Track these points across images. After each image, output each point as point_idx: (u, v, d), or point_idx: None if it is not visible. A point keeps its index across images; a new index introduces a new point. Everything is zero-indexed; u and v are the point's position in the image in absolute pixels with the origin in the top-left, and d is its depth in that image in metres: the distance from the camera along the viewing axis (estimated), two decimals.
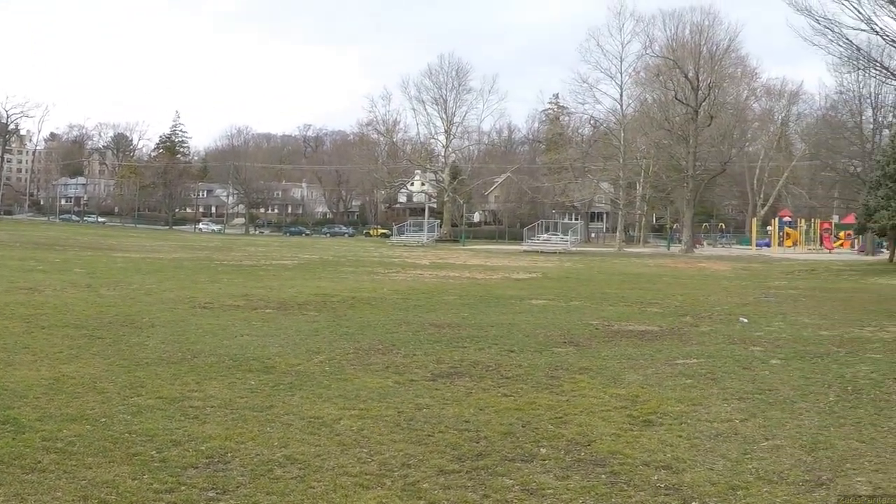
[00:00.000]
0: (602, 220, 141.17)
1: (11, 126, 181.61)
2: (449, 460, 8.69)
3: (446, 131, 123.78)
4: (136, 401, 11.09)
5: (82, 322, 19.03)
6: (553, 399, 11.73)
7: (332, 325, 19.31)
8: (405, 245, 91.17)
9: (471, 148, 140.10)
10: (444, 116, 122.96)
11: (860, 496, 8.10)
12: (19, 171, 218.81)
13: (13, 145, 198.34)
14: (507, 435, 9.72)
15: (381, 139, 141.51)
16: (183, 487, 7.76)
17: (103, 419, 10.09)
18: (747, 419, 10.80)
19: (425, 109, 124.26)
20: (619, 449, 9.21)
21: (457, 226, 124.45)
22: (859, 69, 49.06)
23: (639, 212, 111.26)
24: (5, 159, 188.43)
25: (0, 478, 7.90)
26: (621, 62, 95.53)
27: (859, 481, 8.30)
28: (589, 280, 39.37)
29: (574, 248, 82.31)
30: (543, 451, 9.12)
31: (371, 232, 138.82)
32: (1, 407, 10.57)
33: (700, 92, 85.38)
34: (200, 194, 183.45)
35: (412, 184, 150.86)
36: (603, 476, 8.30)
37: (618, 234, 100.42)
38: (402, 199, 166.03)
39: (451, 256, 62.94)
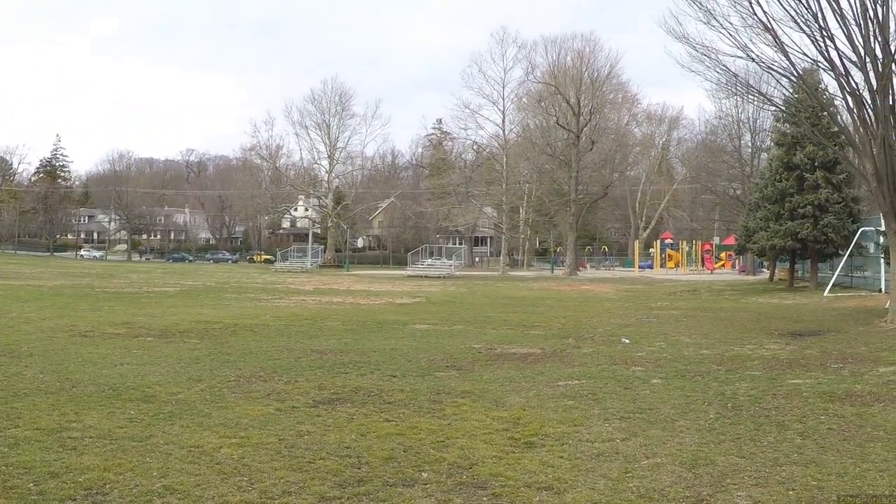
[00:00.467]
0: (486, 245, 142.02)
1: None
2: (330, 487, 8.68)
3: (329, 156, 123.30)
4: (12, 433, 10.88)
5: None
6: (435, 423, 11.78)
7: (213, 353, 19.18)
8: (289, 271, 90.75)
9: (354, 173, 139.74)
10: (327, 142, 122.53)
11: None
12: None
13: None
14: (389, 460, 9.75)
15: (265, 164, 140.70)
16: None
17: None
18: (628, 438, 10.98)
19: (308, 134, 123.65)
20: (501, 471, 9.29)
21: (341, 251, 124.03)
22: (737, 95, 49.99)
23: (522, 236, 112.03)
24: None
25: None
26: (503, 88, 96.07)
27: (739, 496, 8.48)
28: (472, 304, 39.58)
29: (458, 273, 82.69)
30: (425, 475, 9.16)
31: (255, 258, 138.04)
32: None
33: (581, 117, 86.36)
34: (82, 220, 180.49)
35: (296, 209, 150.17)
36: (485, 499, 8.38)
37: (501, 257, 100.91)
38: (286, 224, 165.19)
39: (334, 282, 62.82)
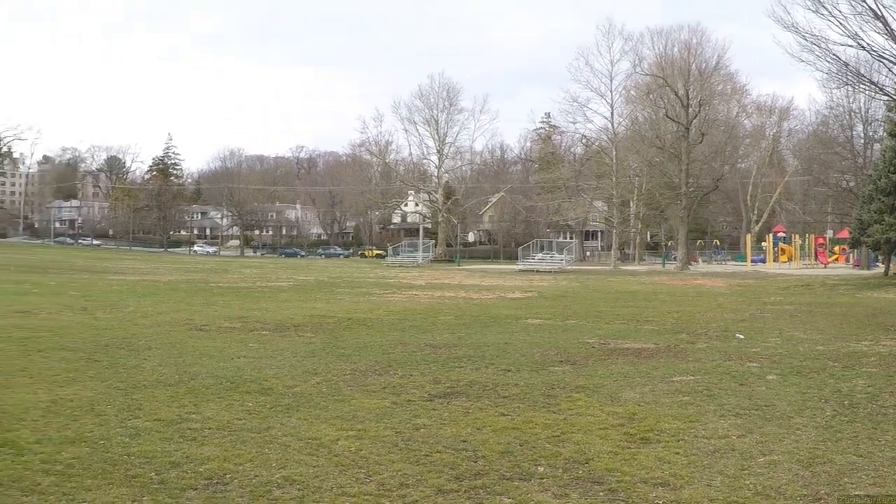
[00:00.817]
0: (597, 239, 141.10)
1: (4, 149, 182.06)
2: (447, 480, 8.70)
3: (438, 151, 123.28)
4: (134, 423, 11.12)
5: (79, 345, 19.06)
6: (550, 418, 11.73)
7: (328, 347, 19.34)
8: (401, 265, 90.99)
9: (463, 168, 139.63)
10: (436, 137, 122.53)
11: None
12: (13, 193, 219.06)
13: (6, 168, 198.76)
14: (505, 454, 9.73)
15: (374, 160, 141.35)
16: None
17: (102, 441, 10.13)
18: (744, 435, 10.81)
19: (417, 130, 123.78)
20: (617, 466, 9.22)
21: (451, 246, 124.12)
22: (848, 85, 48.93)
23: (633, 230, 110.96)
24: (0, 182, 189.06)
25: (2, 500, 7.94)
26: (611, 81, 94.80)
27: (857, 495, 8.31)
28: (584, 299, 39.28)
29: (569, 267, 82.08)
30: (541, 469, 9.13)
31: (366, 253, 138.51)
32: (1, 430, 10.59)
33: (690, 109, 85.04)
34: (195, 216, 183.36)
35: (406, 204, 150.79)
36: (601, 494, 8.31)
37: (612, 252, 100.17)
38: (397, 219, 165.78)
39: (446, 277, 62.84)
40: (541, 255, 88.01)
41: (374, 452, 9.74)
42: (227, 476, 8.79)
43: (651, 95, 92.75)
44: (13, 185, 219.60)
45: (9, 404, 12.22)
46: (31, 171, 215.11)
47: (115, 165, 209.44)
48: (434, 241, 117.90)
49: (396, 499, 8.11)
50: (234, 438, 10.34)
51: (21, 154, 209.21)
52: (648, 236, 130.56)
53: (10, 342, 19.38)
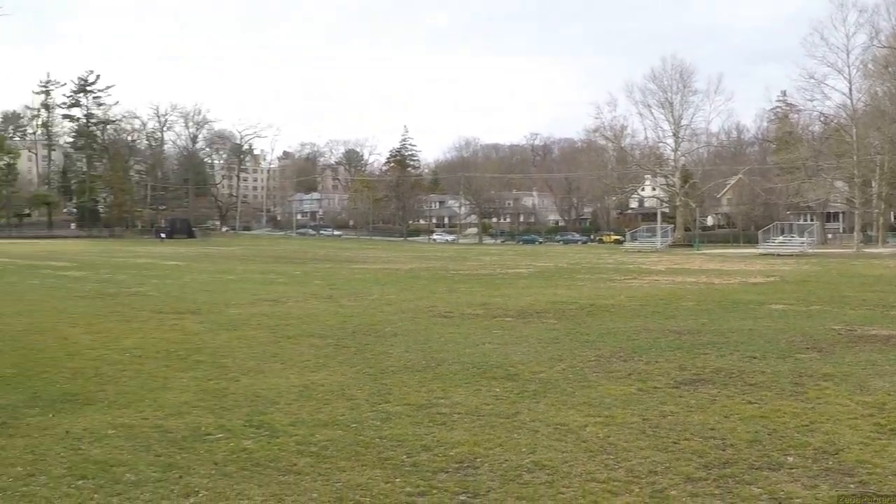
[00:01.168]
0: (838, 221, 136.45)
1: (246, 146, 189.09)
2: (695, 468, 8.68)
3: (674, 134, 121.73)
4: (384, 407, 11.49)
5: (326, 332, 19.76)
6: (798, 406, 11.53)
7: (572, 333, 19.41)
8: (639, 251, 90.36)
9: (700, 150, 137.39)
10: (670, 119, 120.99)
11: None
12: (255, 188, 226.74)
13: (248, 164, 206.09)
14: (754, 443, 9.63)
15: (609, 145, 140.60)
16: (435, 491, 8.04)
17: (354, 425, 10.52)
18: None
19: (651, 113, 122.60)
20: (868, 458, 9.00)
21: (689, 230, 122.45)
22: None
23: (876, 211, 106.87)
24: (242, 178, 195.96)
25: (258, 479, 8.38)
26: (847, 55, 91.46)
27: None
28: (828, 283, 38.18)
29: (810, 250, 79.81)
30: (791, 459, 9.01)
31: (604, 238, 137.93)
32: (255, 412, 11.16)
33: None
34: (433, 205, 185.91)
35: (643, 189, 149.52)
36: (852, 486, 8.15)
37: (855, 234, 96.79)
38: (634, 204, 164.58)
39: (685, 262, 62.07)
40: (781, 238, 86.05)
41: (622, 439, 9.79)
42: (478, 460, 8.99)
43: (890, 69, 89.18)
44: (255, 180, 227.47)
45: (263, 388, 12.81)
46: (272, 166, 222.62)
47: (353, 158, 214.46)
48: (672, 226, 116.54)
49: (646, 486, 8.13)
50: (482, 423, 10.56)
51: (262, 150, 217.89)
52: (893, 217, 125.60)
53: (261, 329, 20.25)
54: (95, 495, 7.90)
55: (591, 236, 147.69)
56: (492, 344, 17.67)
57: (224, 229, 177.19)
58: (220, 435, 9.99)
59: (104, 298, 28.93)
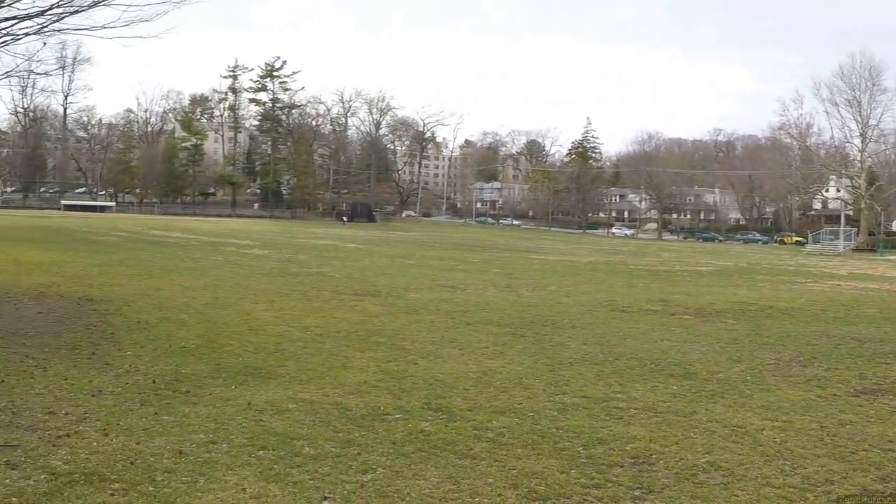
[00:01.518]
0: None
1: (428, 133, 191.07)
2: (873, 480, 8.51)
3: (861, 134, 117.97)
4: (561, 398, 11.55)
5: (504, 320, 19.91)
6: None
7: (751, 334, 19.11)
8: (820, 254, 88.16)
9: (887, 152, 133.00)
10: (858, 119, 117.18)
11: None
12: (436, 175, 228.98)
13: (430, 151, 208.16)
14: None
15: (794, 143, 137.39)
16: (609, 484, 8.06)
17: (530, 414, 10.62)
18: None
19: (838, 112, 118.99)
20: None
21: (874, 234, 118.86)
22: None
23: None
24: (423, 165, 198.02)
25: (435, 461, 8.53)
26: None
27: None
28: None
29: None
30: None
31: (784, 239, 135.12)
32: (433, 395, 11.34)
33: None
34: (613, 199, 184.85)
35: (827, 189, 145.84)
36: None
37: None
38: (817, 205, 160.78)
39: (869, 267, 60.26)
40: None
41: (799, 445, 9.66)
42: (653, 456, 8.98)
43: None
44: (437, 167, 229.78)
45: (441, 373, 13.00)
46: (453, 154, 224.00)
47: (534, 149, 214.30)
48: (855, 229, 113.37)
49: (821, 494, 8.01)
50: (659, 420, 10.54)
51: (444, 138, 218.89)
52: None
53: (440, 314, 20.51)
54: (275, 466, 8.16)
55: (772, 236, 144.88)
56: (670, 341, 17.56)
57: (404, 214, 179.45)
58: (398, 416, 10.19)
59: (286, 277, 29.65)
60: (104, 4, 19.11)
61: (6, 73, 26.11)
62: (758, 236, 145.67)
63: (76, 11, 19.07)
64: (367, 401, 10.89)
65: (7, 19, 18.92)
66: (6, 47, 20.12)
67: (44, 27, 19.22)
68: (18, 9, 18.68)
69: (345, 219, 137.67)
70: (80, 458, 8.14)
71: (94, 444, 8.70)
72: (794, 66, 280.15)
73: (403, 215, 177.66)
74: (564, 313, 21.82)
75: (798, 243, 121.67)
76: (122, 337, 15.37)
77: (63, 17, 19.11)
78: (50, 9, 18.62)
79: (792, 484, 8.27)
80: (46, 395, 10.66)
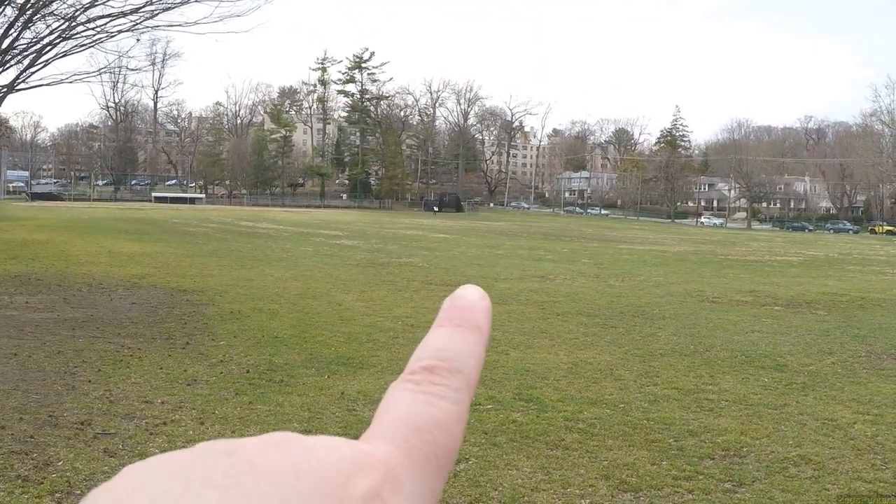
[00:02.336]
0: None
1: (516, 123, 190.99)
2: None
3: None
4: (651, 389, 11.60)
5: (594, 311, 19.92)
6: None
7: (842, 326, 18.98)
8: None
9: None
10: None
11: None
12: (524, 165, 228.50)
13: (518, 141, 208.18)
14: None
15: (886, 130, 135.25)
16: (700, 477, 8.11)
17: (621, 405, 10.68)
18: None
19: None
20: None
21: None
22: None
23: None
24: (511, 154, 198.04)
25: (527, 451, 8.63)
26: None
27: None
28: None
29: None
30: None
31: (876, 229, 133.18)
32: (525, 387, 11.43)
33: None
34: (702, 188, 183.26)
35: None
36: None
37: None
38: None
39: None
40: None
41: (891, 439, 9.62)
42: (744, 449, 9.00)
43: None
44: (525, 157, 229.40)
45: (532, 363, 13.09)
46: (541, 143, 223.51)
47: (622, 138, 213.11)
48: None
49: None
50: (749, 412, 10.53)
51: (532, 128, 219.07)
52: None
53: (530, 305, 20.56)
54: None
55: (863, 225, 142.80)
56: (760, 332, 17.47)
57: (491, 204, 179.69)
58: (489, 406, 10.28)
59: (375, 267, 29.85)
60: (196, 0, 19.45)
61: (99, 69, 26.68)
62: (848, 225, 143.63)
63: (169, 8, 19.42)
64: None
65: (101, 17, 19.32)
66: (100, 44, 20.55)
67: (137, 24, 19.61)
68: (112, 7, 19.05)
69: (436, 208, 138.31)
70: (176, 447, 8.12)
71: (191, 432, 8.92)
72: (892, 49, 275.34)
73: (490, 205, 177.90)
74: (654, 304, 21.79)
75: (889, 233, 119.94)
76: (215, 327, 15.64)
77: (156, 14, 19.50)
78: (143, 6, 18.99)
79: (884, 478, 8.25)
80: (142, 384, 10.90)
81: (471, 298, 0.62)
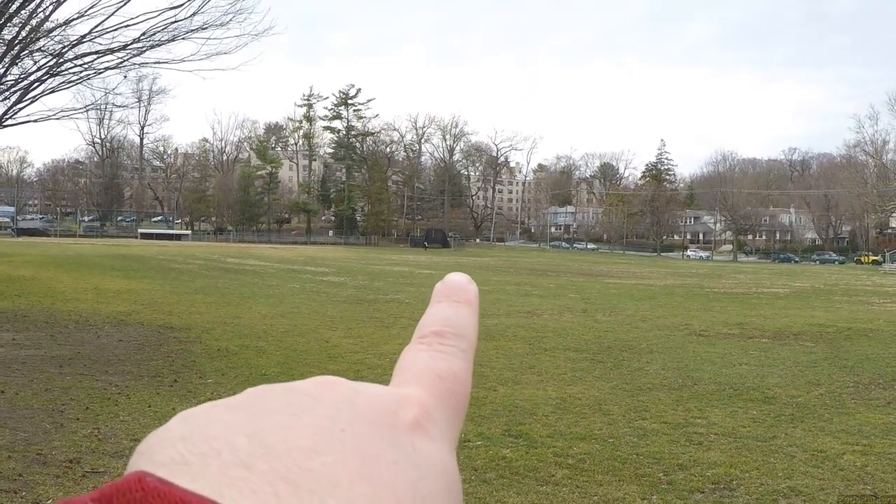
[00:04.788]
0: None
1: (501, 158, 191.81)
2: None
3: None
4: (640, 424, 11.58)
5: (582, 346, 19.92)
6: None
7: (829, 357, 19.01)
8: None
9: None
10: None
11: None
12: (510, 200, 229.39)
13: (504, 177, 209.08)
14: None
15: (870, 161, 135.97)
16: None
17: (610, 439, 10.66)
18: None
19: None
20: None
21: None
22: None
23: None
24: (497, 190, 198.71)
25: (517, 487, 8.62)
26: None
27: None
28: None
29: None
30: None
31: (861, 259, 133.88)
32: (514, 423, 11.41)
33: None
34: (687, 221, 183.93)
35: None
36: None
37: None
38: (894, 223, 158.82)
39: None
40: None
41: (880, 469, 9.63)
42: (734, 482, 9.00)
43: None
44: (510, 192, 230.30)
45: (521, 399, 13.06)
46: (527, 178, 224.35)
47: (608, 172, 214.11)
48: None
49: None
50: (738, 445, 10.52)
51: (517, 163, 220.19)
52: None
53: (518, 341, 20.55)
54: None
55: (849, 256, 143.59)
56: (748, 365, 17.50)
57: (477, 240, 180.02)
58: (479, 442, 10.26)
59: (362, 304, 29.82)
60: (183, 38, 19.52)
61: (86, 106, 26.78)
62: (834, 256, 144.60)
63: (156, 45, 19.50)
64: None
65: (89, 54, 19.38)
66: (88, 81, 20.61)
67: (124, 61, 19.67)
68: (100, 44, 19.12)
69: (426, 244, 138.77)
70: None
71: None
72: (873, 80, 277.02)
73: (476, 241, 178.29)
74: (641, 338, 21.81)
75: (875, 263, 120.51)
76: (202, 364, 15.61)
77: (143, 51, 19.55)
78: (131, 43, 19.05)
79: None
80: (131, 422, 10.86)
81: (461, 281, 0.70)
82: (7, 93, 20.81)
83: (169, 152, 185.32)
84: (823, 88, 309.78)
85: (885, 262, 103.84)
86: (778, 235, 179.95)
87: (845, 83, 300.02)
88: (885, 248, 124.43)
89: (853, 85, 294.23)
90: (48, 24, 18.65)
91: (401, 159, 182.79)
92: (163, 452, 0.42)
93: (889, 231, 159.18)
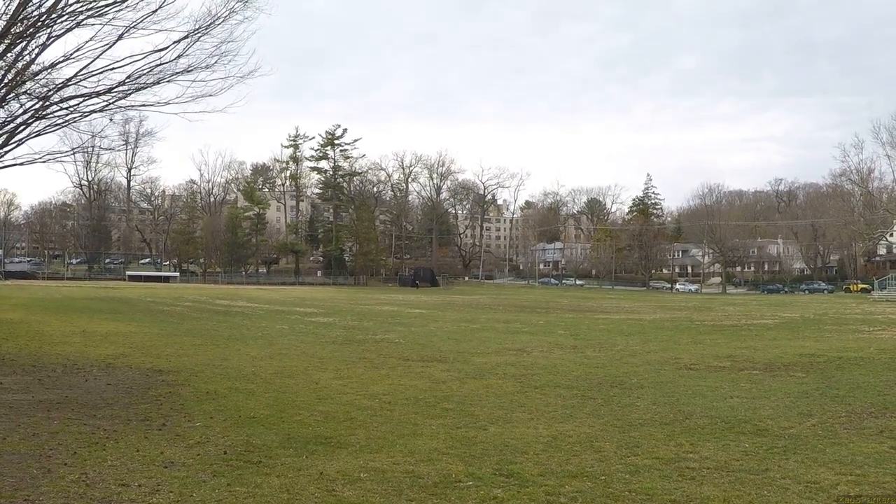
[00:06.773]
0: None
1: (489, 196, 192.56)
2: None
3: None
4: (632, 460, 11.50)
5: (572, 382, 19.85)
6: None
7: (821, 387, 18.94)
8: (887, 300, 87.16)
9: None
10: None
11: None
12: (498, 238, 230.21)
13: (491, 214, 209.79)
14: None
15: (856, 189, 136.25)
16: None
17: (602, 477, 10.57)
18: None
19: None
20: None
21: None
22: None
23: None
24: (485, 227, 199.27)
25: None
26: None
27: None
28: None
29: None
30: None
31: (850, 287, 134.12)
32: (505, 462, 11.31)
33: None
34: (676, 254, 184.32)
35: (891, 234, 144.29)
36: None
37: None
38: (882, 251, 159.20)
39: None
40: None
41: (874, 499, 9.54)
42: None
43: None
44: (498, 229, 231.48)
45: (511, 438, 12.96)
46: (514, 216, 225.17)
47: (595, 208, 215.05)
48: None
49: None
50: (732, 479, 10.44)
51: (505, 200, 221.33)
52: None
53: (507, 379, 20.49)
54: None
55: (838, 284, 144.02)
56: (739, 398, 17.44)
57: (466, 277, 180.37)
58: (469, 483, 10.17)
59: (351, 345, 29.76)
60: (168, 80, 19.51)
61: (72, 149, 26.76)
62: (823, 285, 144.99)
63: (141, 88, 19.48)
64: (439, 468, 10.88)
65: (75, 97, 19.36)
66: (74, 124, 20.57)
67: (109, 104, 19.65)
68: (86, 87, 19.09)
69: (418, 283, 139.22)
70: None
71: None
72: (857, 109, 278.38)
73: (465, 279, 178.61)
74: (632, 373, 21.77)
75: (863, 290, 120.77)
76: (191, 408, 15.51)
77: (129, 94, 19.53)
78: (116, 86, 19.03)
79: None
80: (119, 466, 10.76)
81: None
82: None
83: (156, 194, 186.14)
84: (809, 117, 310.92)
85: (874, 289, 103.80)
86: (766, 266, 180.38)
87: (831, 112, 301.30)
88: (874, 275, 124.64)
89: (838, 113, 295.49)
90: (34, 67, 18.63)
91: (388, 199, 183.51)
92: None
93: (877, 258, 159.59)
